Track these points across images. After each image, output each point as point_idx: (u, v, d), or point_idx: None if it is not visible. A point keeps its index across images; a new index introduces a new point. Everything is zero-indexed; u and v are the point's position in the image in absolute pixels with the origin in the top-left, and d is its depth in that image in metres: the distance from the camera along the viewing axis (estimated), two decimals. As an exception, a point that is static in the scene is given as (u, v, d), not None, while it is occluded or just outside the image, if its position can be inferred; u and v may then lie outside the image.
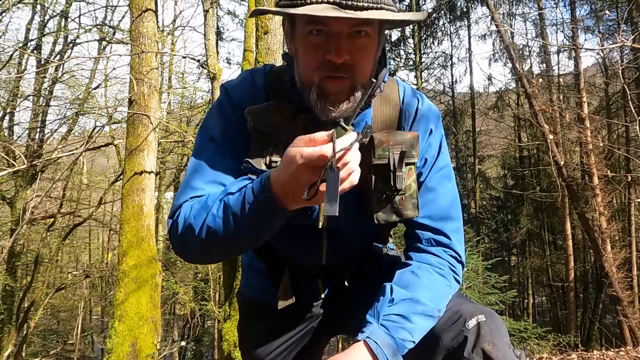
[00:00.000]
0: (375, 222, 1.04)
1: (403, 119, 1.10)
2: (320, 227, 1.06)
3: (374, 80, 1.00)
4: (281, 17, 1.03)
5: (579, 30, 12.26)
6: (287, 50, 1.06)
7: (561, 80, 14.61)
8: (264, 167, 0.97)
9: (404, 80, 1.21)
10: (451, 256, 1.10)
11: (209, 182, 1.01)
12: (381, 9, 0.88)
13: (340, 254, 1.17)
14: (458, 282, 1.09)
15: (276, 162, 0.97)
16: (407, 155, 1.01)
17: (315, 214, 1.06)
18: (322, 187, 0.76)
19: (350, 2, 0.85)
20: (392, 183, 1.00)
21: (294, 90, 1.02)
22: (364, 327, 0.97)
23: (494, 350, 0.93)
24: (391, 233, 1.32)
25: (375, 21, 0.93)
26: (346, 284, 1.21)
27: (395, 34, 15.93)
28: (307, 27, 0.92)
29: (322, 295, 1.22)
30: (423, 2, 17.12)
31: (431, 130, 1.10)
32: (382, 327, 0.96)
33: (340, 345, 9.72)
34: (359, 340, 0.94)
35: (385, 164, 1.00)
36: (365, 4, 0.86)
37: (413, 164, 1.04)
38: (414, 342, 0.97)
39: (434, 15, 16.76)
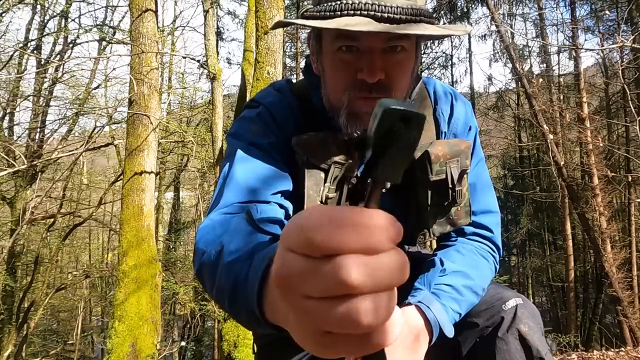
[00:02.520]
0: (431, 235, 1.01)
1: (440, 120, 1.04)
2: None
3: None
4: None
5: (579, 30, 12.26)
6: (302, 64, 1.00)
7: (561, 80, 14.60)
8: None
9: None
10: (492, 244, 1.09)
11: (260, 187, 0.86)
12: (420, 21, 0.80)
13: None
14: (496, 268, 1.09)
15: (331, 199, 0.89)
16: (463, 166, 0.97)
17: None
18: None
19: (386, 15, 0.77)
20: (450, 198, 0.96)
21: (323, 112, 0.94)
22: (414, 293, 0.94)
23: (530, 333, 0.91)
24: None
25: (412, 35, 0.84)
26: None
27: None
28: (336, 43, 0.84)
29: None
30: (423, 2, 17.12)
31: (470, 128, 1.07)
32: (434, 295, 0.93)
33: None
34: (410, 304, 0.91)
35: (443, 179, 0.95)
36: (403, 16, 0.78)
37: (467, 173, 0.99)
38: (460, 314, 0.95)
39: (434, 15, 16.73)
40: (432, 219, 0.99)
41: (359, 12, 0.77)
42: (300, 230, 0.31)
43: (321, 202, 0.88)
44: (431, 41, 16.89)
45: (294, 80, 1.09)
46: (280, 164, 0.91)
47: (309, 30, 0.96)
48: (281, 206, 0.86)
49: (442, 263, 1.00)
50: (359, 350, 0.32)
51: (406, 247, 1.24)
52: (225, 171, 0.90)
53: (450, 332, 0.91)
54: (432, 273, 0.98)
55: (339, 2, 0.79)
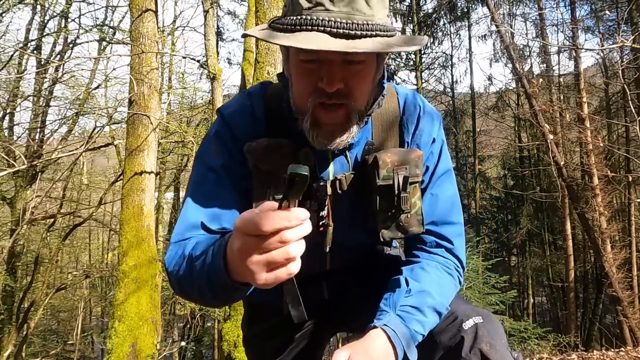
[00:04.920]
0: (381, 239, 1.04)
1: (405, 130, 1.08)
2: (327, 250, 1.06)
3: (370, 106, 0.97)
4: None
5: (579, 31, 12.28)
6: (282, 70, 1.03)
7: (561, 80, 14.61)
8: None
9: (402, 81, 1.17)
10: (455, 258, 1.11)
11: (211, 219, 0.97)
12: (375, 35, 0.84)
13: (345, 260, 1.18)
14: (460, 282, 1.10)
15: (278, 200, 0.95)
16: (412, 175, 1.00)
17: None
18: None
19: (341, 31, 0.81)
20: (396, 204, 1.00)
21: (290, 115, 0.99)
22: (379, 315, 0.97)
23: (492, 352, 0.93)
24: None
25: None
26: (350, 285, 1.21)
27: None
28: (299, 55, 0.89)
29: (326, 297, 1.22)
30: (423, 3, 17.13)
31: (434, 139, 1.09)
32: (398, 317, 0.96)
33: (340, 345, 9.71)
34: (375, 327, 0.93)
35: (390, 184, 0.99)
36: (358, 32, 0.82)
37: (417, 182, 1.02)
38: (423, 335, 0.97)
39: (434, 15, 16.76)
40: (381, 224, 1.03)
41: (316, 27, 0.82)
42: (255, 225, 0.61)
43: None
44: (431, 41, 16.88)
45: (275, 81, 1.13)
46: (232, 187, 1.01)
47: None
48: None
49: (407, 283, 1.02)
50: (287, 274, 0.64)
51: (387, 249, 1.27)
52: (183, 202, 1.03)
53: (414, 356, 0.93)
54: (398, 294, 1.01)
55: (299, 18, 0.84)
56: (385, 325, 0.93)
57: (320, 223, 1.03)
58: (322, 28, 0.82)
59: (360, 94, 0.92)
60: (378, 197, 1.00)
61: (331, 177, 1.03)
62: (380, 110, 1.06)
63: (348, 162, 1.05)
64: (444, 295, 1.02)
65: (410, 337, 0.94)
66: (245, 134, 1.01)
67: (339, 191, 1.03)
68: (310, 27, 0.83)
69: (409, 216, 1.02)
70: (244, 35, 0.94)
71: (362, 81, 0.91)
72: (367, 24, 0.83)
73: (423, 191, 1.10)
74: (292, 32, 0.84)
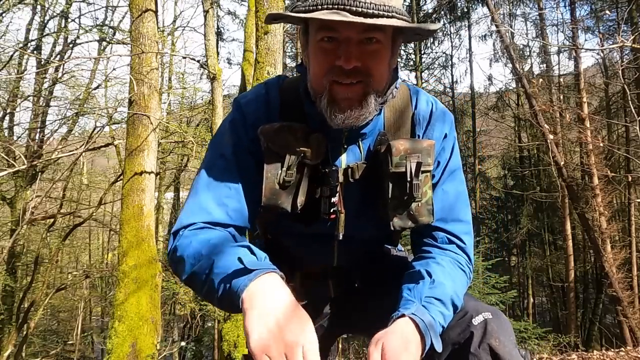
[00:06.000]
0: (391, 228, 1.05)
1: (417, 124, 1.10)
2: (340, 238, 1.07)
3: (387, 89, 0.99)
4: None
5: (579, 31, 12.28)
6: (299, 61, 1.06)
7: (561, 80, 14.61)
8: (286, 206, 1.00)
9: (402, 82, 1.20)
10: (466, 255, 1.12)
11: (217, 204, 1.00)
12: (392, 17, 0.89)
13: (352, 256, 1.18)
14: (470, 279, 1.11)
15: (289, 182, 0.99)
16: (424, 163, 1.02)
17: (330, 224, 1.06)
18: None
19: (360, 9, 0.86)
20: (408, 191, 1.01)
21: (308, 99, 1.02)
22: (405, 305, 0.97)
23: (501, 347, 0.94)
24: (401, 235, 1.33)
25: (387, 28, 0.93)
26: (356, 285, 1.22)
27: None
28: (319, 35, 0.94)
29: (332, 295, 1.22)
30: (423, 3, 17.14)
31: (446, 135, 1.11)
32: (424, 308, 0.96)
33: (340, 346, 9.71)
34: (403, 315, 0.93)
35: (402, 172, 1.01)
36: (376, 11, 0.87)
37: (429, 171, 1.04)
38: (443, 327, 0.98)
39: (434, 15, 16.76)
40: (392, 212, 1.04)
41: (336, 6, 0.88)
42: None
43: (279, 183, 0.99)
44: (431, 41, 16.88)
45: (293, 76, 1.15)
46: (240, 175, 1.03)
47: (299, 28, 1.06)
48: (229, 225, 1.01)
49: (429, 275, 1.03)
50: None
51: (393, 250, 1.27)
52: (194, 185, 1.06)
53: (439, 346, 0.93)
54: (422, 285, 1.01)
55: None
56: (413, 314, 0.93)
57: (332, 210, 1.04)
58: (342, 7, 0.87)
59: (377, 73, 0.95)
60: (390, 184, 1.02)
61: (344, 165, 1.05)
62: (393, 104, 1.09)
63: (361, 151, 1.07)
64: (459, 290, 1.03)
65: (435, 329, 0.94)
66: (258, 121, 1.03)
67: (351, 179, 1.05)
68: (331, 6, 0.88)
69: (419, 205, 1.04)
70: (270, 16, 0.95)
71: (378, 62, 0.95)
72: (385, 6, 0.89)
73: (434, 186, 1.10)
74: (315, 12, 0.89)
